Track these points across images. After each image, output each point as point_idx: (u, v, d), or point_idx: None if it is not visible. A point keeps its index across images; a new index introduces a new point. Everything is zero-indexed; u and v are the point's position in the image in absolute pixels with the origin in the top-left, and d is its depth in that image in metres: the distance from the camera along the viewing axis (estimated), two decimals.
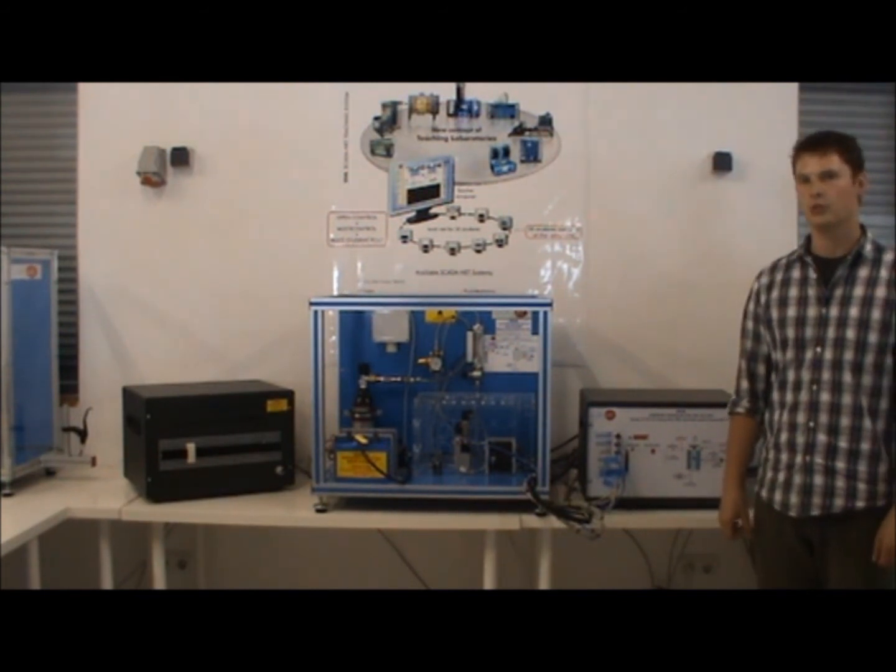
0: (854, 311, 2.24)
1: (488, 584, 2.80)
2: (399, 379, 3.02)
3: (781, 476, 2.32)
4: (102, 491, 2.99)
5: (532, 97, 3.29)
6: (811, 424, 2.27)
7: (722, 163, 3.28)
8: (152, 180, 3.29)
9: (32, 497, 2.90)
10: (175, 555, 3.30)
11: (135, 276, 3.38)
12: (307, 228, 3.34)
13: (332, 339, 3.14)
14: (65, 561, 3.09)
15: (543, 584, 2.80)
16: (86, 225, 3.38)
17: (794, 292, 2.34)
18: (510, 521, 2.71)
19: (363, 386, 2.97)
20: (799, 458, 2.28)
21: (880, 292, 2.23)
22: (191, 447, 2.87)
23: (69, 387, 3.35)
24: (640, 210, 3.33)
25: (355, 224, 3.35)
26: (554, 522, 2.69)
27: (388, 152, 3.33)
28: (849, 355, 2.24)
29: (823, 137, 2.32)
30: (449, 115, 3.32)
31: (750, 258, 3.31)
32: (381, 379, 3.00)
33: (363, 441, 2.75)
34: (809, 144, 2.31)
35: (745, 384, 2.47)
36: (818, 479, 2.26)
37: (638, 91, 3.24)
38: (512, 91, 3.30)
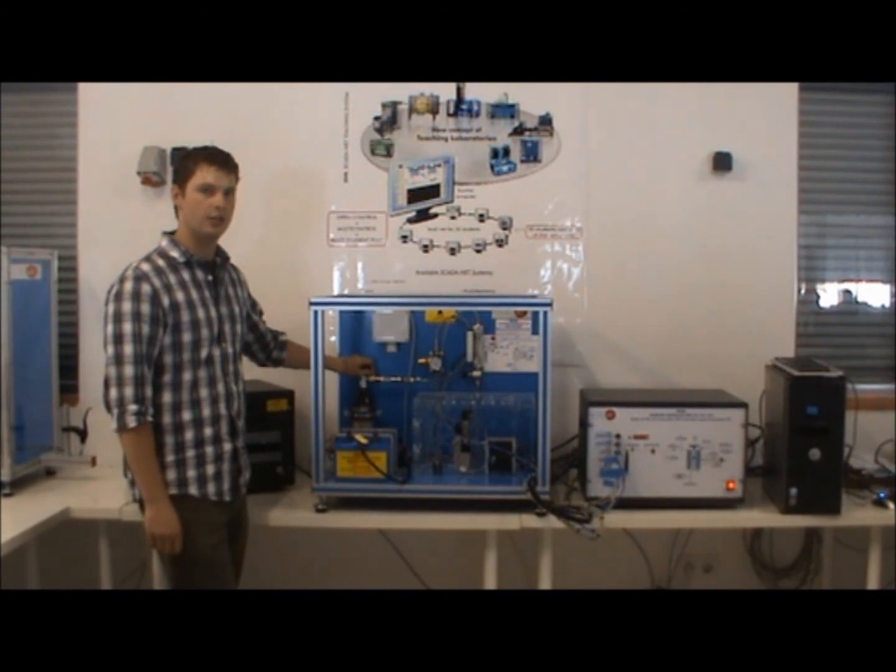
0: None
1: (488, 584, 2.80)
2: (399, 379, 3.02)
3: None
4: (102, 491, 2.98)
5: (532, 97, 3.29)
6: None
7: (722, 163, 3.28)
8: (152, 180, 3.29)
9: (32, 497, 2.90)
10: None
11: None
12: (307, 228, 3.34)
13: (332, 338, 3.14)
14: (65, 561, 3.09)
15: (543, 584, 2.80)
16: (86, 225, 3.38)
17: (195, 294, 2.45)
18: (510, 521, 2.71)
19: (363, 386, 2.98)
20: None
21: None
22: None
23: (69, 387, 3.35)
24: (640, 210, 3.33)
25: (355, 224, 3.35)
26: (554, 522, 2.68)
27: (388, 152, 3.33)
28: None
29: (230, 157, 2.49)
30: (449, 115, 3.32)
31: (749, 258, 3.34)
32: (381, 379, 3.00)
33: (363, 441, 2.75)
34: (216, 159, 2.45)
35: None
36: None
37: (638, 91, 3.24)
38: (512, 91, 3.30)
